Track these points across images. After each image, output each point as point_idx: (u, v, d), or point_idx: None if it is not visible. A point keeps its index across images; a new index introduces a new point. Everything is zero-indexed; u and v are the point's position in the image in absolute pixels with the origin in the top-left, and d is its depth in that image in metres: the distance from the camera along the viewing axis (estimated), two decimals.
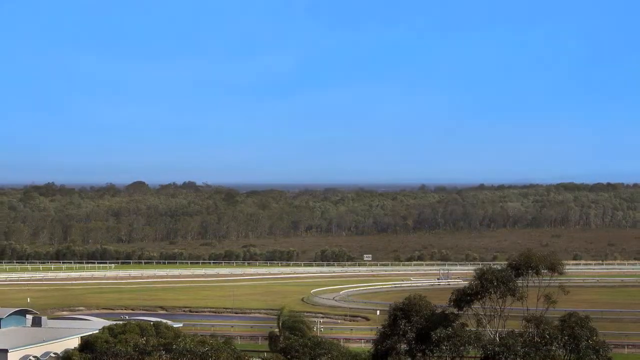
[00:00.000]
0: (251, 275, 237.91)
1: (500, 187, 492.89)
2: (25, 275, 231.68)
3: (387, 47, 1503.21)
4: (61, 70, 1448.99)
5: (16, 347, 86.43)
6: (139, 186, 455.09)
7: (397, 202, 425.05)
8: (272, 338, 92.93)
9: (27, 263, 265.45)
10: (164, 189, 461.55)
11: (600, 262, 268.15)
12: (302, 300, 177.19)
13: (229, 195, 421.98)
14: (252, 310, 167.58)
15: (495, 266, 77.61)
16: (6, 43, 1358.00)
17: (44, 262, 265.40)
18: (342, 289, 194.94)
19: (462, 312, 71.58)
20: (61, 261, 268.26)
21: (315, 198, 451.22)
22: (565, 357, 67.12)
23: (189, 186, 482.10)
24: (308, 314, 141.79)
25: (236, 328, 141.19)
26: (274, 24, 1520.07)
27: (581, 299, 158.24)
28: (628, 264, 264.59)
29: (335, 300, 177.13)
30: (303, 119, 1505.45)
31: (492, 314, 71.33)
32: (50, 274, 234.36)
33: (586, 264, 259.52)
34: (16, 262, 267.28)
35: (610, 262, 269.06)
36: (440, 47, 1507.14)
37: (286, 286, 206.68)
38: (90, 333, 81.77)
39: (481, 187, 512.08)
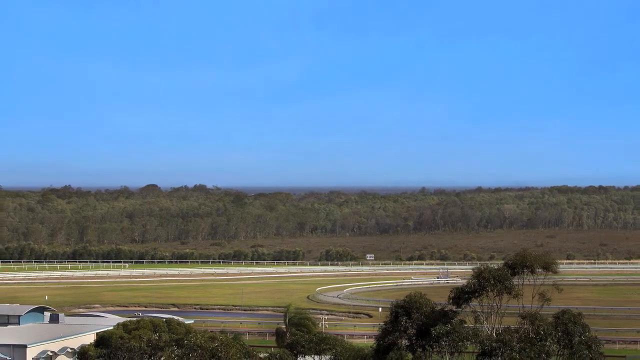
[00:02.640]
0: (259, 274, 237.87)
1: (497, 190, 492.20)
2: (43, 274, 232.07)
3: (389, 56, 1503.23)
4: (79, 78, 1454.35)
5: (35, 343, 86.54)
6: (151, 189, 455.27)
7: (398, 204, 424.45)
8: (279, 334, 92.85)
9: (45, 262, 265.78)
10: (176, 192, 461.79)
11: (593, 261, 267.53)
12: (308, 297, 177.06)
13: (237, 197, 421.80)
14: (260, 308, 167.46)
15: (492, 265, 77.47)
16: (28, 51, 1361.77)
17: (61, 262, 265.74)
18: (345, 287, 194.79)
19: (460, 309, 71.51)
20: (77, 260, 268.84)
21: (320, 200, 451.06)
22: (559, 352, 67.01)
23: (200, 189, 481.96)
24: (313, 311, 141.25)
25: (245, 325, 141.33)
26: (282, 34, 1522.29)
27: (574, 296, 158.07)
28: (619, 263, 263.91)
29: (339, 298, 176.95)
30: (309, 125, 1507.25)
31: (489, 311, 71.22)
32: (67, 273, 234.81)
33: (579, 264, 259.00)
34: (35, 262, 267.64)
35: (602, 261, 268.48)
36: (440, 56, 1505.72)
37: (292, 284, 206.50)
38: (105, 329, 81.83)
39: (479, 189, 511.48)
